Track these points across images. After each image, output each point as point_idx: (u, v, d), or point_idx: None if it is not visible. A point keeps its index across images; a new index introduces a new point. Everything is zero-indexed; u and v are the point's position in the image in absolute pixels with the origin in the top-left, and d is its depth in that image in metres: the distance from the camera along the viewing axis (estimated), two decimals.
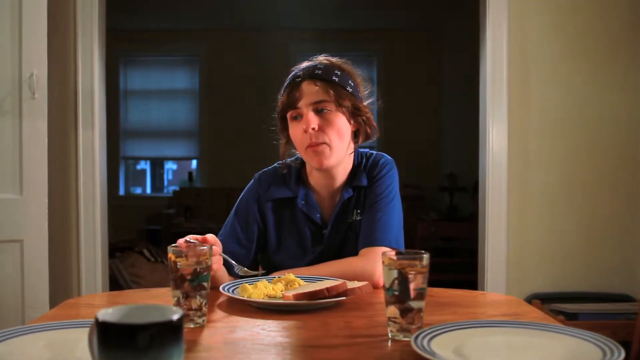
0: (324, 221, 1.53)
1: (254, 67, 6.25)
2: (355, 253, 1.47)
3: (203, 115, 6.53)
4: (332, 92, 1.43)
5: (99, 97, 2.79)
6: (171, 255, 1.05)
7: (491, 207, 2.82)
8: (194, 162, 6.83)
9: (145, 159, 6.90)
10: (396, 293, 0.95)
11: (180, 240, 1.25)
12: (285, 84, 1.50)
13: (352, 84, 1.49)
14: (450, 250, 5.08)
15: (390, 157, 1.58)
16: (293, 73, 1.50)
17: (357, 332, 1.02)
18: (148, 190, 7.02)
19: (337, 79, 1.45)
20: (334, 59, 1.53)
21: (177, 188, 6.59)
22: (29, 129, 2.32)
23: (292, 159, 1.61)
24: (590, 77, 2.82)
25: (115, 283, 4.00)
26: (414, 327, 0.95)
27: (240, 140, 6.12)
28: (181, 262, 1.04)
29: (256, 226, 1.55)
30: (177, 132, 6.62)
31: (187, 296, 1.04)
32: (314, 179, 1.55)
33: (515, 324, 0.98)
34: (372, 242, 1.44)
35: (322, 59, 1.52)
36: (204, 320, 1.05)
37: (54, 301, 2.34)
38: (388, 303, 0.97)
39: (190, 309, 1.04)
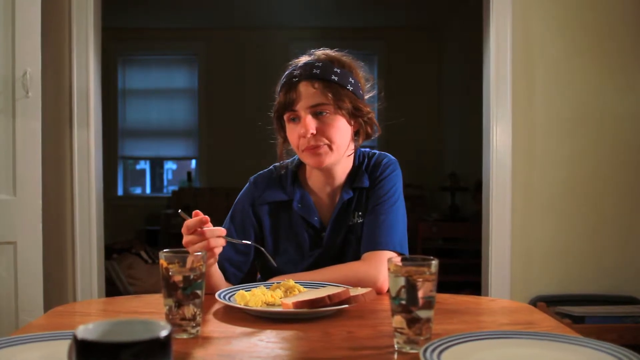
0: (323, 224, 1.47)
1: (253, 66, 6.19)
2: (357, 257, 1.41)
3: (202, 115, 6.48)
4: (330, 94, 1.36)
5: (94, 95, 2.73)
6: (163, 262, 0.99)
7: (495, 207, 2.77)
8: (193, 162, 6.77)
9: (144, 158, 6.85)
10: (403, 302, 0.90)
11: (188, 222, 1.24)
12: (282, 83, 1.43)
13: (352, 81, 1.42)
14: (452, 250, 5.03)
15: (393, 157, 1.52)
16: (290, 71, 1.43)
17: (360, 343, 0.96)
18: (148, 191, 6.97)
19: (336, 78, 1.38)
20: (332, 53, 1.45)
21: (176, 188, 6.53)
22: (23, 128, 2.28)
23: (290, 160, 1.55)
24: (596, 75, 2.77)
25: (112, 285, 3.95)
26: (422, 338, 0.89)
27: (240, 140, 6.06)
28: (173, 269, 0.99)
29: (252, 231, 1.49)
30: (176, 132, 6.57)
31: (179, 305, 0.98)
32: (313, 179, 1.50)
33: (530, 335, 0.92)
34: (376, 246, 1.38)
35: (320, 54, 1.45)
36: (197, 331, 0.99)
37: (49, 304, 2.30)
38: (394, 312, 0.91)
39: (183, 318, 0.98)
